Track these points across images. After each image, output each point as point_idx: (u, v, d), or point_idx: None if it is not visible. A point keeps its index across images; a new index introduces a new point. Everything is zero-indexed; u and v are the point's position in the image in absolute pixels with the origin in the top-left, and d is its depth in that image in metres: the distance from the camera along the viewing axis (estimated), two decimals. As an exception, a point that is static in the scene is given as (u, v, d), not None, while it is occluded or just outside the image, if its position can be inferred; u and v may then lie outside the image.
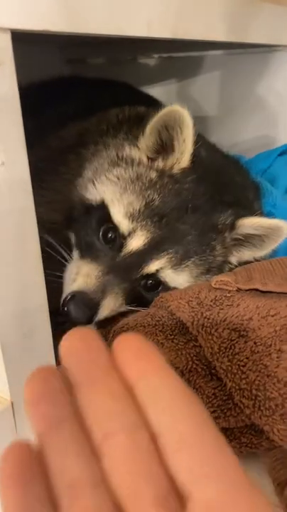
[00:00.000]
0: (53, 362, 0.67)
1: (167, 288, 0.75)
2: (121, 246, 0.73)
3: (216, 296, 0.62)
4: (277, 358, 0.55)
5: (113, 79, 1.30)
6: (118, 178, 0.79)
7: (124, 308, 0.74)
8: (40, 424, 0.35)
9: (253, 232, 0.78)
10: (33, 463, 0.33)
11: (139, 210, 0.73)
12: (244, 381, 0.51)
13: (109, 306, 0.71)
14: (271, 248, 0.78)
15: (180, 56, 1.42)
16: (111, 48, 1.39)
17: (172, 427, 0.34)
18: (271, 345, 0.56)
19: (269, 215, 0.90)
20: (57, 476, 0.33)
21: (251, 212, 0.82)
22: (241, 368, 0.56)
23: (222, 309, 0.61)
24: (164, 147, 0.79)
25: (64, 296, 0.70)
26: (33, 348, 0.63)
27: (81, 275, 0.71)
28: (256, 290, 0.62)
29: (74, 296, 0.68)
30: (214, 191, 0.81)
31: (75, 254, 0.76)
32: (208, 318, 0.61)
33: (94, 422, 0.35)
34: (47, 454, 0.34)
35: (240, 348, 0.58)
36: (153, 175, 0.78)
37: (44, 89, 1.09)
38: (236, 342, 0.58)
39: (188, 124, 0.72)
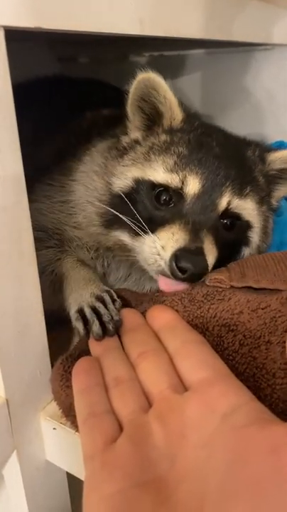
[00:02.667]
0: (48, 360, 0.67)
1: (242, 222, 0.76)
2: (181, 196, 0.73)
3: (207, 291, 0.63)
4: (266, 349, 0.56)
5: (99, 78, 1.30)
6: (134, 160, 0.80)
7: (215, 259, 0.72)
8: (98, 349, 0.62)
9: (284, 167, 0.82)
10: (94, 363, 0.59)
11: (175, 163, 0.74)
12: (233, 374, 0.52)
13: (210, 250, 0.68)
14: None
15: (169, 55, 1.42)
16: (103, 46, 1.39)
17: (182, 346, 0.57)
18: (259, 337, 0.57)
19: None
20: (107, 372, 0.58)
21: (268, 147, 0.86)
22: (230, 361, 0.57)
23: (213, 304, 0.62)
24: (152, 119, 0.81)
25: (164, 265, 0.67)
26: (28, 345, 0.63)
27: (166, 239, 0.68)
28: (249, 287, 0.63)
29: (178, 254, 0.65)
30: (225, 133, 0.86)
31: (141, 240, 0.73)
32: (199, 317, 0.62)
33: (132, 348, 0.60)
34: (102, 361, 0.60)
35: (228, 343, 0.59)
36: (164, 137, 0.80)
37: (29, 89, 1.08)
38: (225, 337, 0.59)
39: (159, 81, 0.75)
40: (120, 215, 0.75)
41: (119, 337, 0.64)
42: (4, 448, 0.64)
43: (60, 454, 0.70)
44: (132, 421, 0.50)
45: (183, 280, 0.65)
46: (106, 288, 0.73)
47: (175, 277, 0.65)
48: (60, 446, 0.69)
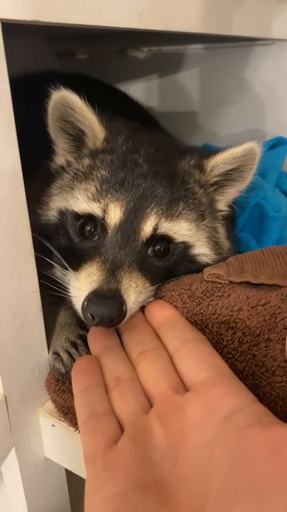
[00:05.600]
0: (46, 356, 0.67)
1: (177, 245, 0.70)
2: (104, 227, 0.68)
3: (207, 288, 0.62)
4: (265, 347, 0.56)
5: (96, 74, 1.29)
6: (60, 188, 0.76)
7: (153, 289, 0.67)
8: (97, 347, 0.62)
9: (229, 168, 0.76)
10: (94, 362, 0.59)
11: (97, 190, 0.70)
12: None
13: (132, 288, 0.63)
14: (251, 175, 0.77)
15: (168, 50, 1.42)
16: (101, 41, 1.38)
17: (182, 345, 0.56)
18: (259, 334, 0.57)
19: (259, 207, 0.91)
20: (107, 372, 0.57)
21: (208, 153, 0.79)
22: (230, 359, 0.57)
23: (213, 301, 0.61)
24: (79, 140, 0.77)
25: (78, 309, 0.63)
26: (26, 341, 0.63)
27: (82, 280, 0.63)
28: (248, 283, 0.62)
29: (89, 298, 0.60)
30: (156, 144, 0.80)
31: (69, 276, 0.68)
32: (198, 314, 0.61)
33: (132, 347, 0.59)
34: (102, 361, 0.59)
35: (228, 341, 0.58)
36: (87, 161, 0.76)
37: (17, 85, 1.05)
38: (225, 335, 0.59)
39: (75, 100, 0.70)
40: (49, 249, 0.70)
41: (119, 335, 0.64)
42: (3, 445, 0.64)
43: (59, 451, 0.70)
44: (133, 422, 0.50)
45: (95, 326, 0.61)
46: (81, 332, 0.69)
47: (87, 323, 0.61)
48: (58, 443, 0.68)
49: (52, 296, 0.68)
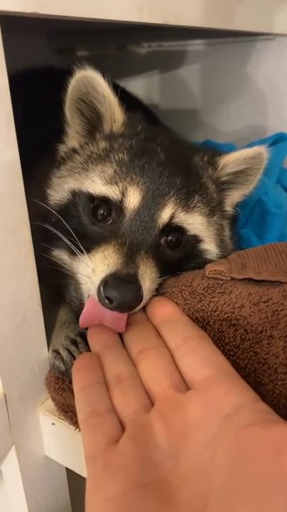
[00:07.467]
0: (46, 353, 0.67)
1: (189, 237, 0.71)
2: (121, 211, 0.67)
3: (208, 284, 0.62)
4: (267, 344, 0.56)
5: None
6: (71, 170, 0.75)
7: (160, 281, 0.66)
8: (97, 345, 0.61)
9: (237, 169, 0.77)
10: (95, 360, 0.58)
11: (115, 172, 0.69)
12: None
13: (147, 275, 0.62)
14: (256, 179, 0.79)
15: (169, 45, 1.41)
16: (101, 36, 1.37)
17: (183, 342, 0.55)
18: (261, 331, 0.56)
19: (261, 203, 0.90)
20: (108, 370, 0.57)
21: (219, 152, 0.81)
22: (231, 357, 0.57)
23: (214, 297, 0.61)
24: (93, 125, 0.76)
25: (94, 291, 0.61)
26: (26, 339, 0.62)
27: (98, 262, 0.62)
28: (250, 279, 0.62)
29: (107, 281, 0.59)
30: (170, 137, 0.81)
31: (77, 259, 0.67)
32: (199, 311, 0.61)
33: (133, 345, 0.59)
34: (103, 359, 0.58)
35: (230, 338, 0.58)
36: (103, 144, 0.75)
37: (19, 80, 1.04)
38: (226, 332, 0.58)
39: (98, 79, 0.69)
40: (56, 231, 0.68)
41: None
42: (2, 443, 0.63)
43: (59, 449, 0.69)
44: (134, 421, 0.50)
45: (111, 309, 0.59)
46: (81, 330, 0.68)
47: (103, 305, 0.59)
48: (58, 442, 0.68)
49: (52, 292, 0.67)
